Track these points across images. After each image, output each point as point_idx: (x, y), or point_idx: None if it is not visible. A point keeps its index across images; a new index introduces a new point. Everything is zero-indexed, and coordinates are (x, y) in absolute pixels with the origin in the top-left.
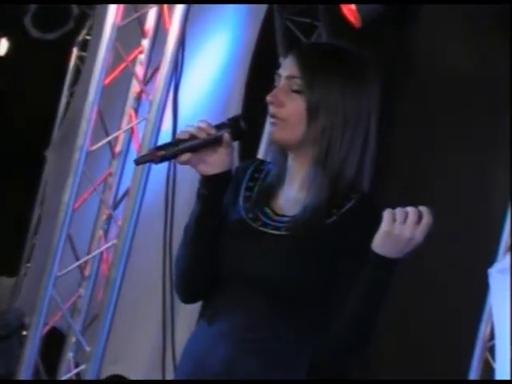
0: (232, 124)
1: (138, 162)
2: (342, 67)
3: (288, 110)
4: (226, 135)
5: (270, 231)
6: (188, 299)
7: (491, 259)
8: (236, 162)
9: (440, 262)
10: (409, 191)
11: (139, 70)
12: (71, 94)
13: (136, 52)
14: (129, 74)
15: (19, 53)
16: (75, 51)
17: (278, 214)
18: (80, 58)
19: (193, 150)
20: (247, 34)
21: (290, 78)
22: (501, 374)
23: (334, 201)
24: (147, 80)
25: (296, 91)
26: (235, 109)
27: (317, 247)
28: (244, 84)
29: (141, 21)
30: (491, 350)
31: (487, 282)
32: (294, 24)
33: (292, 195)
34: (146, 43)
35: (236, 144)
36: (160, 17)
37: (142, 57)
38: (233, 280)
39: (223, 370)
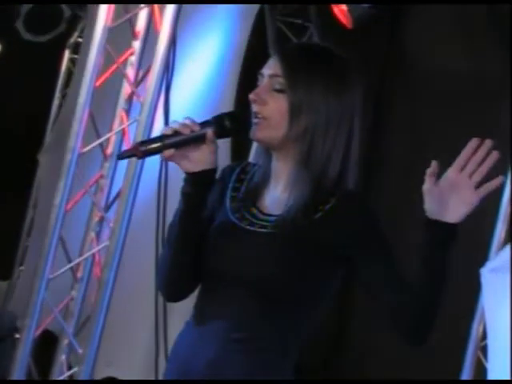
0: (216, 122)
1: (120, 157)
2: (325, 68)
3: (270, 109)
4: (210, 132)
5: (257, 230)
6: (171, 298)
7: (483, 259)
8: (228, 161)
9: None
10: (402, 190)
11: (130, 72)
12: (63, 97)
13: (127, 54)
14: (120, 76)
15: (11, 55)
16: (67, 53)
17: (264, 213)
18: (72, 61)
19: (176, 146)
20: (238, 34)
21: (272, 76)
22: (493, 373)
23: (319, 197)
24: (138, 81)
25: (278, 90)
26: (227, 109)
27: (303, 244)
28: (236, 85)
29: (131, 22)
30: (483, 349)
31: (479, 282)
32: (286, 25)
33: (277, 195)
34: (136, 45)
35: (228, 143)
36: (151, 18)
37: (133, 58)
38: (219, 280)
39: (210, 370)
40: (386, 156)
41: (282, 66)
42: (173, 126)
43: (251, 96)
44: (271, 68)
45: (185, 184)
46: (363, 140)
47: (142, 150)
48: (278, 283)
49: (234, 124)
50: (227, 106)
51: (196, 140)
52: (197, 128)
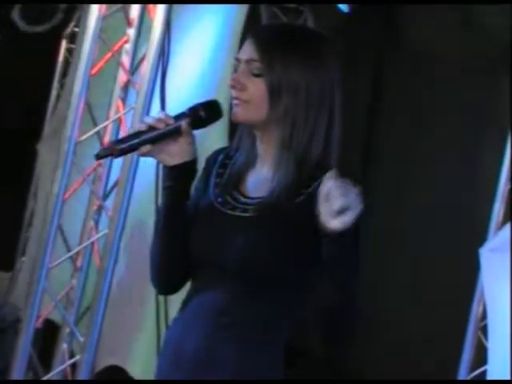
0: (191, 113)
1: (98, 157)
2: (300, 46)
3: (250, 93)
4: (184, 124)
5: (238, 213)
6: (164, 291)
7: (481, 239)
8: (225, 143)
9: (430, 244)
10: (396, 178)
11: (125, 60)
12: (61, 87)
13: (121, 42)
14: (115, 64)
15: (7, 46)
16: (64, 43)
17: (246, 196)
18: (69, 51)
19: (152, 141)
20: (234, 19)
21: (249, 61)
22: (493, 353)
23: (302, 181)
24: (134, 69)
25: (256, 75)
26: (224, 96)
27: (286, 227)
28: (232, 71)
29: (125, 10)
30: (484, 329)
31: (478, 262)
32: (280, 9)
33: (261, 177)
34: (131, 32)
35: (224, 125)
36: (145, 5)
37: (128, 46)
38: (204, 265)
39: (198, 356)
40: (384, 141)
41: (257, 51)
42: (147, 121)
43: (230, 82)
44: (247, 53)
45: (165, 178)
46: (345, 117)
47: (118, 149)
48: (262, 268)
49: (209, 113)
50: (223, 91)
51: (172, 133)
52: (171, 121)
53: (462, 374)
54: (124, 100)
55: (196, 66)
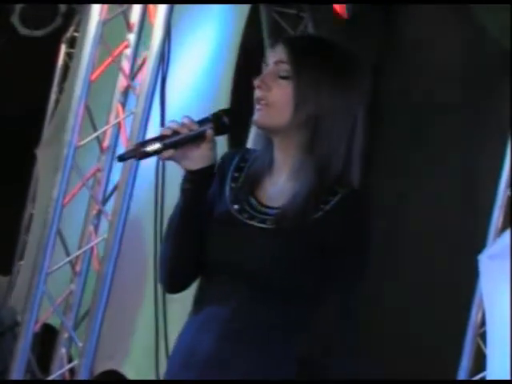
0: (215, 119)
1: (120, 159)
2: (330, 57)
3: (275, 95)
4: (209, 131)
5: (257, 224)
6: (172, 290)
7: (480, 246)
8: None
9: (429, 251)
10: (396, 181)
11: (125, 65)
12: (60, 91)
13: (121, 46)
14: (115, 69)
15: (7, 50)
16: (63, 48)
17: (264, 205)
18: (68, 55)
19: (176, 146)
20: (234, 24)
21: (278, 63)
22: (492, 359)
23: (321, 195)
24: (134, 74)
25: (284, 77)
26: (224, 102)
27: (303, 242)
28: (232, 75)
29: (126, 15)
30: (483, 336)
31: (477, 268)
32: (281, 15)
33: (279, 185)
34: (131, 37)
35: (224, 138)
36: (145, 10)
37: (128, 51)
38: (219, 271)
39: (211, 360)
40: (384, 144)
41: (287, 53)
42: (171, 126)
43: (256, 82)
44: (277, 55)
45: (185, 181)
46: (366, 131)
47: (142, 152)
48: (277, 278)
49: (231, 120)
50: (223, 96)
51: (195, 139)
52: (195, 127)
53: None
54: (124, 105)
55: (195, 72)
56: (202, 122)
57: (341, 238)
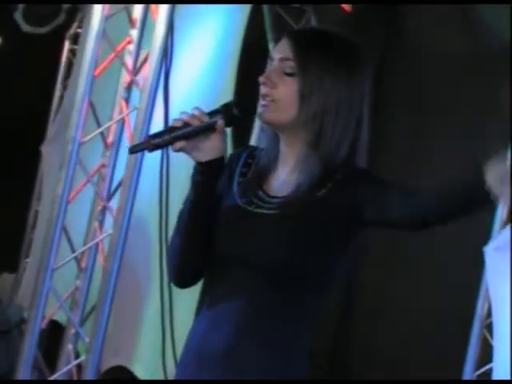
0: (225, 110)
1: (132, 151)
2: (335, 52)
3: (280, 92)
4: (220, 122)
5: (264, 211)
6: (183, 284)
7: (486, 237)
8: (229, 150)
9: (436, 240)
10: (406, 168)
11: (128, 60)
12: (64, 88)
13: (124, 42)
14: (119, 65)
15: (11, 48)
16: (67, 44)
17: (270, 196)
18: (72, 52)
19: (186, 137)
20: (237, 19)
21: (283, 60)
22: (499, 350)
23: (325, 176)
24: (137, 70)
25: (289, 74)
26: (227, 96)
27: (310, 222)
28: (235, 70)
29: (128, 11)
30: (489, 327)
31: (483, 260)
32: (283, 9)
33: (284, 177)
34: (134, 33)
35: (229, 132)
36: (147, 6)
37: (131, 47)
38: (230, 264)
39: (225, 353)
40: (387, 138)
41: (293, 50)
42: (182, 117)
43: (261, 79)
44: (282, 51)
45: (195, 173)
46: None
47: (153, 143)
48: (289, 264)
49: (242, 111)
50: (227, 91)
51: (206, 130)
52: (206, 118)
53: (468, 371)
54: (127, 100)
55: (199, 67)
56: (212, 114)
57: (343, 207)
